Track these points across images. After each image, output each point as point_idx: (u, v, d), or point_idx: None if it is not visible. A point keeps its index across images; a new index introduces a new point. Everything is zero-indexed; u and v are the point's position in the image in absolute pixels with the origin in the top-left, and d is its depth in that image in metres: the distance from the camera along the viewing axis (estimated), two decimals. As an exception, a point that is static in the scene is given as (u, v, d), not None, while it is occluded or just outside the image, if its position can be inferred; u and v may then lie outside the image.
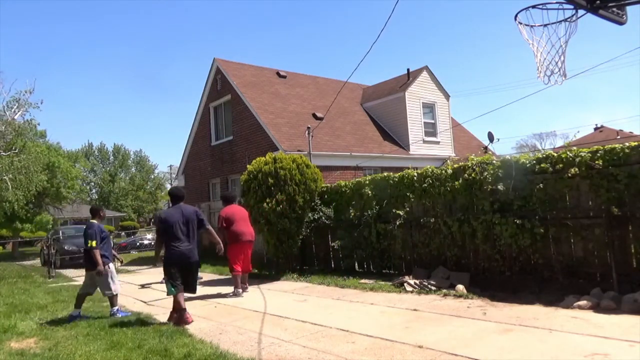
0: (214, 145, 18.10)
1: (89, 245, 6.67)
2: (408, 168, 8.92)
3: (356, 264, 9.64)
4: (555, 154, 6.48)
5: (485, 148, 17.88)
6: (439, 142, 18.05)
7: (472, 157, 7.61)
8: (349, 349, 4.53)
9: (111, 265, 7.03)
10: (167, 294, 6.20)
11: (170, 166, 58.13)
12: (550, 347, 4.18)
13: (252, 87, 16.99)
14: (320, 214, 10.02)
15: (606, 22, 4.42)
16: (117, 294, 6.92)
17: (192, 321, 5.99)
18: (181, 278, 6.07)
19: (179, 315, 6.01)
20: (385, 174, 9.13)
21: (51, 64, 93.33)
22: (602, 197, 5.95)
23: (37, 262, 20.10)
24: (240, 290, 8.04)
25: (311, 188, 9.90)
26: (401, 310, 6.08)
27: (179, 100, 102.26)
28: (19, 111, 18.32)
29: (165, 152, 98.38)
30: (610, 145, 6.08)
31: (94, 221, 6.98)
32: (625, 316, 4.98)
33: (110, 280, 6.85)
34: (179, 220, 6.12)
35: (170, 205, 6.51)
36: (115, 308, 6.84)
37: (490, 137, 18.10)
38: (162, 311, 7.05)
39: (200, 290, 8.88)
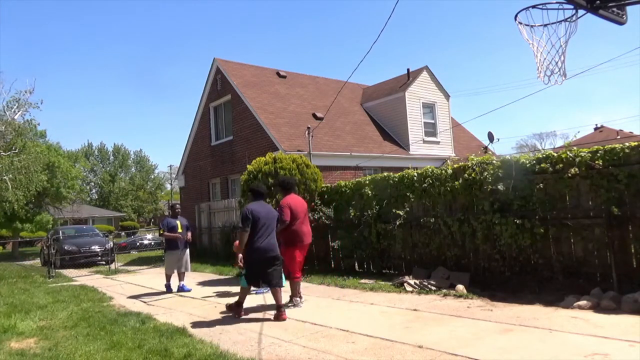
0: (214, 145, 18.10)
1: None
2: (408, 168, 8.92)
3: (356, 264, 9.64)
4: (555, 154, 6.48)
5: (485, 148, 17.87)
6: (439, 142, 18.05)
7: (472, 157, 7.60)
8: (349, 349, 4.53)
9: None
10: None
11: (170, 166, 58.20)
12: (550, 347, 4.18)
13: (252, 87, 16.98)
14: (320, 214, 10.01)
15: (606, 22, 4.42)
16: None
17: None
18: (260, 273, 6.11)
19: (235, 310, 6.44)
20: (385, 174, 9.13)
21: (51, 64, 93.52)
22: (602, 197, 5.95)
23: (37, 262, 20.08)
24: (299, 299, 6.78)
25: (311, 188, 9.91)
26: (401, 310, 6.08)
27: (179, 100, 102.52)
28: (19, 111, 18.36)
29: (165, 152, 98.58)
30: (610, 145, 6.08)
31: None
32: (625, 316, 4.98)
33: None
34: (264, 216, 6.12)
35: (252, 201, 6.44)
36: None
37: (490, 137, 18.09)
38: (162, 311, 7.06)
39: (201, 290, 8.92)
